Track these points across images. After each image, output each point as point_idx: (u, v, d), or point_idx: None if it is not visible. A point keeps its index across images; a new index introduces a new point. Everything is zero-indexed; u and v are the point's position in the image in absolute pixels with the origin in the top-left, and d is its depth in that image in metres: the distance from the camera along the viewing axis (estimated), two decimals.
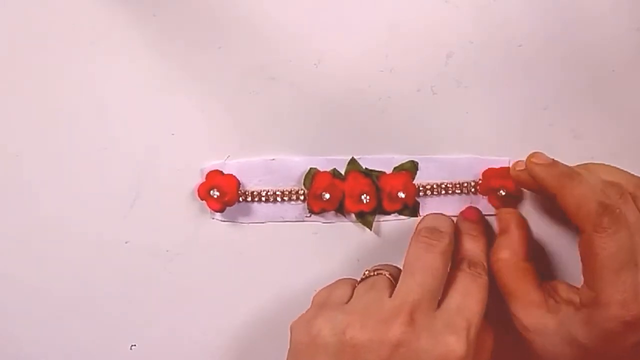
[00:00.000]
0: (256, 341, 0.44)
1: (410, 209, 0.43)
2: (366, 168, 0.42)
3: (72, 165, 0.41)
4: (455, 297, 0.36)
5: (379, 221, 0.43)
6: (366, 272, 0.39)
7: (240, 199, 0.41)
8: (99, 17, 0.40)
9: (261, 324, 0.44)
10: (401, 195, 0.41)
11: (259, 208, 0.42)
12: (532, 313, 0.37)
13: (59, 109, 0.41)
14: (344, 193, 0.42)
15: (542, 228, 0.44)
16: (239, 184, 0.41)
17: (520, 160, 0.40)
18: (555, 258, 0.44)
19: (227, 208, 0.41)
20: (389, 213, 0.43)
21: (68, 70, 0.41)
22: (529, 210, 0.43)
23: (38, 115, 0.41)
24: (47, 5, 0.40)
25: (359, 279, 0.39)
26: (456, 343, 0.33)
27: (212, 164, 0.41)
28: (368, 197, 0.42)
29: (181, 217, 0.42)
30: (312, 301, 0.39)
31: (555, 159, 0.38)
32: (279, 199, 0.42)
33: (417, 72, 0.41)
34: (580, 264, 0.36)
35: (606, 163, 0.41)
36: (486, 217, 0.43)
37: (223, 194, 0.40)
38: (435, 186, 0.42)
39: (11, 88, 0.41)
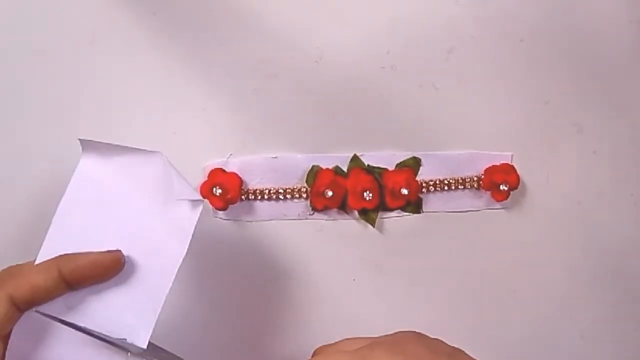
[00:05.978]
0: (259, 338, 0.44)
1: (413, 205, 0.42)
2: (368, 165, 0.42)
3: (73, 165, 0.41)
4: None
5: (382, 218, 0.43)
6: None
7: (243, 197, 0.41)
8: (99, 16, 0.40)
9: (264, 321, 0.44)
10: (404, 191, 0.41)
11: (261, 206, 0.42)
12: None
13: (60, 109, 0.41)
14: (346, 190, 0.42)
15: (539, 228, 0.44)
16: (241, 182, 0.41)
17: None
18: (552, 255, 0.44)
19: (230, 206, 0.41)
20: (391, 210, 0.43)
21: (68, 70, 0.40)
22: (531, 208, 0.43)
23: (38, 116, 0.41)
24: (47, 5, 0.40)
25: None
26: None
27: (214, 162, 0.41)
28: (371, 194, 0.41)
29: None
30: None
31: None
32: (281, 196, 0.42)
33: (418, 68, 0.41)
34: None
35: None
36: (490, 211, 0.43)
37: (225, 192, 0.40)
38: (438, 182, 0.42)
39: (12, 88, 0.40)
